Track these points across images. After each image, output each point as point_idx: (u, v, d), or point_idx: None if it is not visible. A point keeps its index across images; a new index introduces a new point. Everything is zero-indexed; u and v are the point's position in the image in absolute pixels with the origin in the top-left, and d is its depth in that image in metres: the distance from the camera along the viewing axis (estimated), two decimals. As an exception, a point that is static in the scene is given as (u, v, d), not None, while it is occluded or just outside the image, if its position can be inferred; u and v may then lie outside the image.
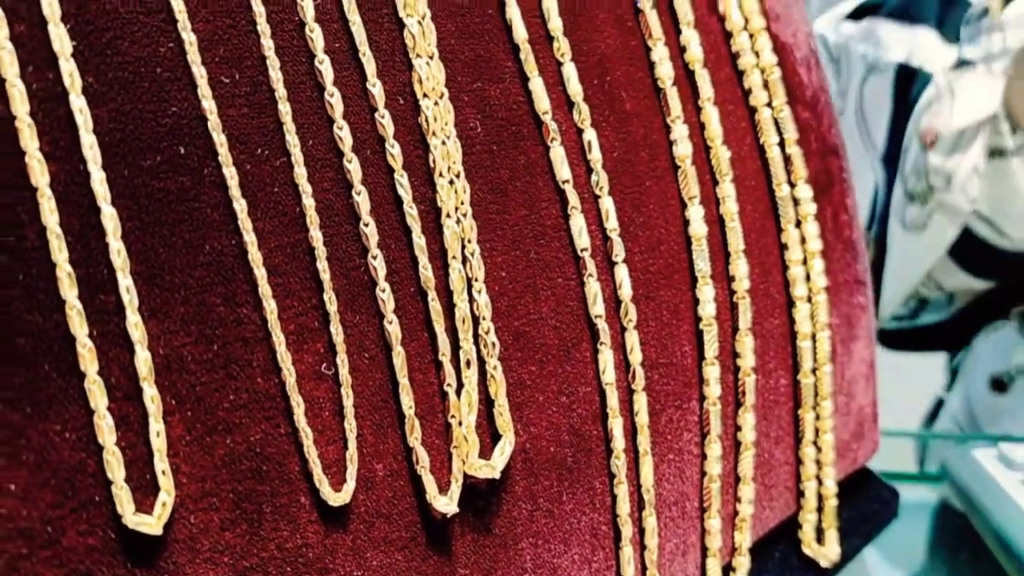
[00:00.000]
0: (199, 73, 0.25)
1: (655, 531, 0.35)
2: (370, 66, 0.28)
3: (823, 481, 0.43)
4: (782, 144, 0.42)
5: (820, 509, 0.44)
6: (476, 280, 0.30)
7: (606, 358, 0.34)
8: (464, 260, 0.30)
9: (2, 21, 0.22)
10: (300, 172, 0.26)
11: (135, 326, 0.23)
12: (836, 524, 0.44)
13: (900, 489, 0.50)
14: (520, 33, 0.32)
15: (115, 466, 0.22)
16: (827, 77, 0.47)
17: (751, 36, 0.41)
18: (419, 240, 0.29)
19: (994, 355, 0.70)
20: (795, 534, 0.43)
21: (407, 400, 0.28)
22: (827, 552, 0.43)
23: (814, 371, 0.42)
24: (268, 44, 0.26)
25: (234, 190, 0.25)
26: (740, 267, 0.39)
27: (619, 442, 0.34)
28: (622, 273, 0.34)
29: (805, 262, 0.42)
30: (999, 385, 0.68)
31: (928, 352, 0.78)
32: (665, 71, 0.37)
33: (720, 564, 0.39)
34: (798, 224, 0.42)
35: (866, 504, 0.48)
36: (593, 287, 0.34)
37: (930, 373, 0.81)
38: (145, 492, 0.23)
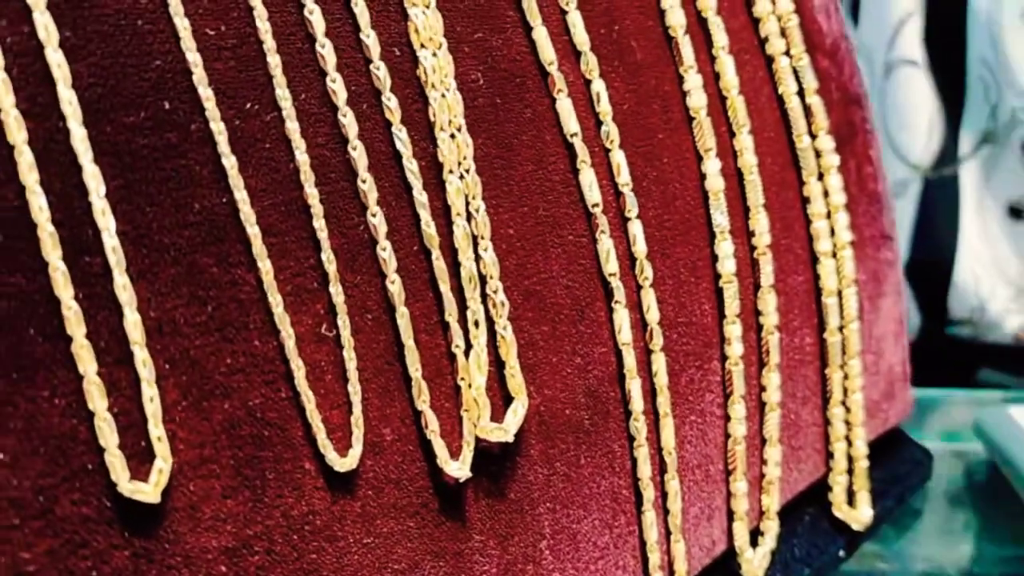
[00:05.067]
0: (182, 25, 0.24)
1: (678, 494, 0.34)
2: (363, 16, 0.27)
3: (853, 442, 0.42)
4: (801, 94, 0.40)
5: (850, 471, 0.42)
6: (482, 238, 0.29)
7: (621, 317, 0.33)
8: (469, 217, 0.29)
9: (-28, -27, 0.21)
10: (292, 127, 0.25)
11: (123, 288, 0.22)
12: (867, 486, 0.42)
13: (943, 448, 0.48)
14: (522, -19, 0.31)
15: (107, 432, 0.22)
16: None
17: (766, -18, 0.40)
18: (420, 196, 0.28)
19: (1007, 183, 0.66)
20: (825, 497, 0.42)
21: (413, 362, 0.27)
22: (859, 515, 0.42)
23: (841, 329, 0.41)
24: (255, -6, 0.25)
25: (223, 146, 0.24)
26: (760, 222, 0.38)
27: (638, 404, 0.33)
28: (636, 229, 0.33)
29: (829, 216, 0.41)
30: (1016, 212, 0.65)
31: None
32: (676, 19, 0.36)
33: (747, 528, 0.38)
34: (820, 177, 0.41)
35: (898, 465, 0.46)
36: (606, 244, 0.32)
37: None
38: (141, 459, 0.22)
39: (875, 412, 0.44)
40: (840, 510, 0.42)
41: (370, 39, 0.27)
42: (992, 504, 0.52)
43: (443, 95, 0.28)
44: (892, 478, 0.46)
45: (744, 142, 0.37)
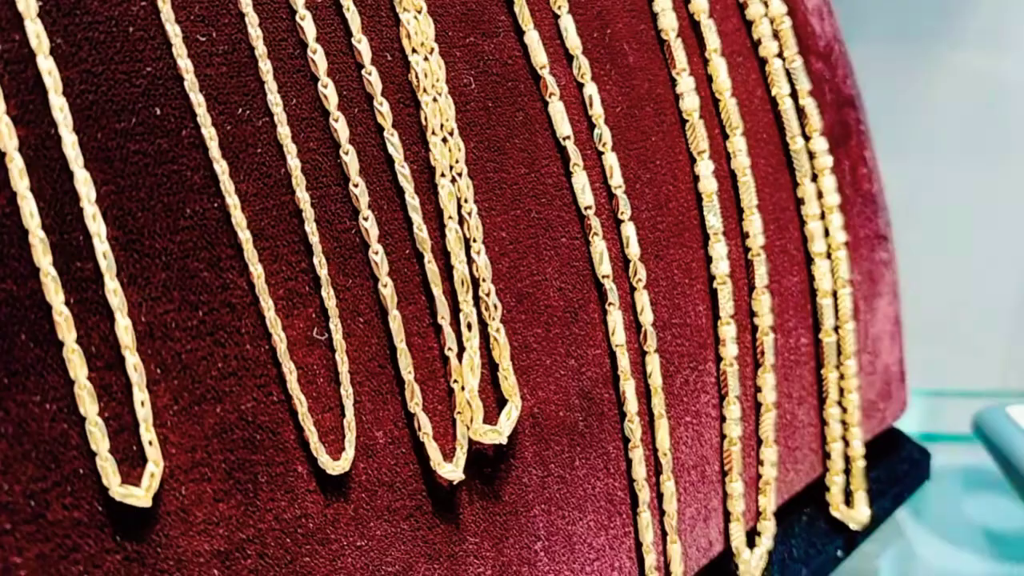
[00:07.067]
0: (174, 32, 0.24)
1: (674, 496, 0.34)
2: (354, 21, 0.27)
3: (849, 442, 0.42)
4: (795, 96, 0.40)
5: (847, 471, 0.42)
6: (475, 241, 0.29)
7: (615, 319, 0.33)
8: (461, 220, 0.29)
9: (-37, -19, 0.21)
10: (284, 132, 0.26)
11: (114, 293, 0.22)
12: (864, 486, 0.42)
13: (943, 449, 0.48)
14: (513, -15, 0.31)
15: (99, 437, 0.22)
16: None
17: (759, -16, 0.40)
18: (412, 200, 0.28)
19: None
20: (822, 497, 0.42)
21: (406, 365, 0.27)
22: (856, 514, 0.42)
23: (836, 329, 0.41)
24: (246, 0, 0.25)
25: (214, 151, 0.24)
26: (754, 223, 0.38)
27: (632, 405, 0.33)
28: (629, 231, 0.33)
29: (823, 217, 0.41)
30: None
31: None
32: (668, 22, 0.36)
33: (744, 528, 0.38)
34: (814, 178, 0.41)
35: (896, 465, 0.47)
36: (599, 246, 0.32)
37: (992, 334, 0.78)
38: (132, 463, 0.23)
39: (872, 412, 0.44)
40: (838, 510, 0.42)
41: (362, 44, 0.27)
42: (990, 503, 0.52)
43: (435, 99, 0.29)
44: (890, 478, 0.46)
45: (737, 144, 0.37)
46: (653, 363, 0.34)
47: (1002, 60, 0.71)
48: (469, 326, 0.29)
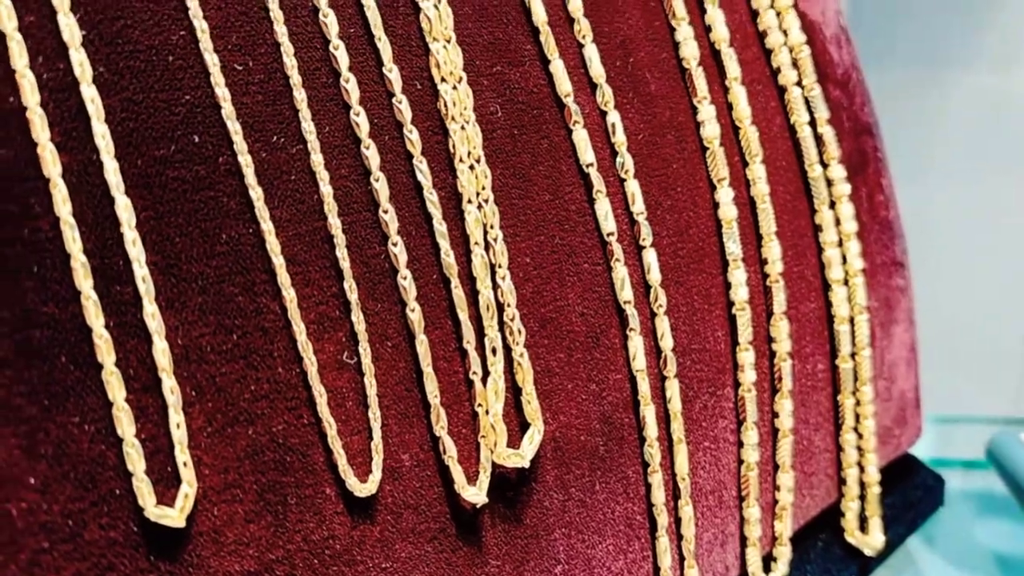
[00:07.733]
0: (212, 61, 0.24)
1: (692, 520, 0.35)
2: (386, 51, 0.28)
3: (865, 468, 0.42)
4: (813, 124, 0.41)
5: (863, 497, 0.42)
6: (500, 266, 0.30)
7: (636, 344, 0.33)
8: (487, 246, 0.29)
9: (11, 12, 0.22)
10: (317, 159, 0.26)
11: (152, 316, 0.23)
12: (879, 512, 0.43)
13: (955, 475, 0.48)
14: (539, 15, 0.32)
15: (135, 458, 0.22)
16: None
17: (778, 14, 0.40)
18: (440, 226, 0.28)
19: None
20: (837, 522, 0.42)
21: (432, 389, 0.28)
22: (871, 540, 0.42)
23: (853, 355, 0.41)
24: (282, 30, 0.26)
25: (250, 178, 0.25)
26: (773, 250, 0.38)
27: (652, 430, 0.33)
28: (650, 257, 0.34)
29: (840, 244, 0.41)
30: None
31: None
32: (690, 51, 0.36)
33: (760, 554, 0.38)
34: (832, 205, 0.41)
35: (911, 491, 0.47)
36: (621, 272, 0.33)
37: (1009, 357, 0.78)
38: (167, 484, 0.23)
39: (887, 438, 0.44)
40: (853, 536, 0.42)
41: (392, 73, 0.28)
42: (1002, 528, 0.52)
43: (463, 127, 0.29)
44: (904, 504, 0.46)
45: (757, 171, 0.38)
46: (673, 388, 0.34)
47: (1017, 81, 0.71)
48: (494, 351, 0.29)
